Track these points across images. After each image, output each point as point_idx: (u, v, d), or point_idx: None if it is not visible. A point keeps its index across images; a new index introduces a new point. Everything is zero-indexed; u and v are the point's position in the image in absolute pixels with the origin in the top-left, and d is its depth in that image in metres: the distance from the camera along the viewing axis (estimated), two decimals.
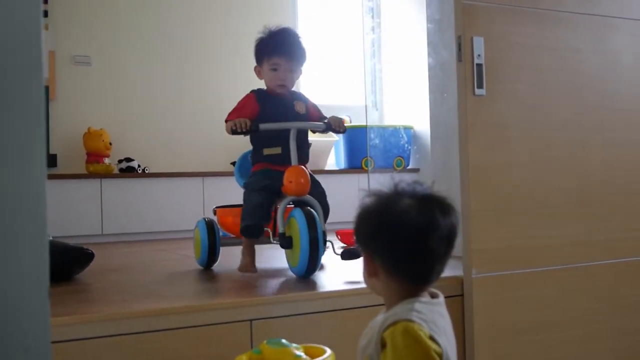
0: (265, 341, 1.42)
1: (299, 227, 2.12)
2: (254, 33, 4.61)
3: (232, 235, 2.63)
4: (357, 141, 4.66)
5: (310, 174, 2.28)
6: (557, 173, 2.24)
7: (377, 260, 1.16)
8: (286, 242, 2.18)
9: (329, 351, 1.38)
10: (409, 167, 4.81)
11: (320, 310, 1.87)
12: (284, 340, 1.40)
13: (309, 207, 2.20)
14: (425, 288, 1.18)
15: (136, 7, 4.51)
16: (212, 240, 2.51)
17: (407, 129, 4.81)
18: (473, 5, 2.10)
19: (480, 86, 2.09)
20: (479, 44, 2.09)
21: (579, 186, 2.28)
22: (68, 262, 2.26)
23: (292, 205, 2.23)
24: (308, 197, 2.25)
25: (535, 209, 2.19)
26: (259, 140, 2.36)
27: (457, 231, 1.16)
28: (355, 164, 4.70)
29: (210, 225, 2.54)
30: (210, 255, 2.53)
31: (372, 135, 4.48)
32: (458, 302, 2.08)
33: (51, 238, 2.30)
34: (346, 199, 4.48)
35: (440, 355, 1.06)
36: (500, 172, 2.13)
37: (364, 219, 1.18)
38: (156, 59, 4.51)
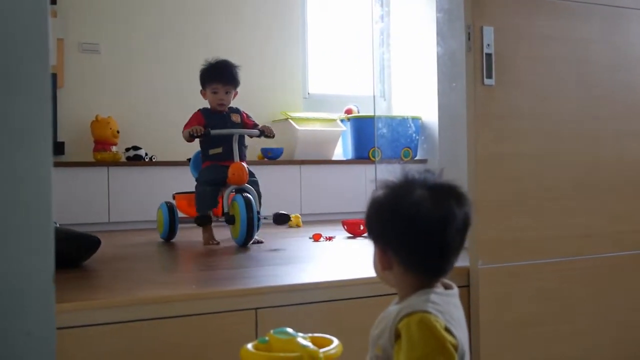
0: (272, 330, 1.42)
1: (239, 209, 2.84)
2: (265, 22, 4.66)
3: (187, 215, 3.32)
4: (364, 131, 4.65)
5: (247, 167, 3.01)
6: (565, 164, 2.23)
7: (391, 254, 1.14)
8: (230, 219, 2.90)
9: (336, 341, 1.37)
10: (416, 158, 4.80)
11: (326, 299, 1.87)
12: (290, 330, 1.40)
13: (247, 193, 2.92)
14: (440, 279, 1.17)
15: None
16: (172, 219, 3.23)
17: (415, 119, 4.79)
18: None
19: (489, 76, 2.08)
20: (488, 34, 2.08)
21: (588, 178, 2.27)
22: (74, 249, 2.27)
23: (234, 192, 2.96)
24: (246, 186, 2.98)
25: (542, 200, 2.18)
26: (206, 144, 3.11)
27: (472, 221, 1.14)
28: (363, 154, 4.69)
29: (170, 207, 3.26)
30: (171, 230, 3.25)
31: (379, 126, 4.47)
32: (464, 292, 2.07)
33: (58, 225, 2.30)
34: (352, 189, 4.52)
35: (455, 347, 1.05)
36: (508, 163, 2.12)
37: (376, 211, 1.15)
38: (165, 47, 4.50)
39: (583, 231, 2.24)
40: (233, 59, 4.62)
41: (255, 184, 3.09)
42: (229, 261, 2.54)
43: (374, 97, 4.46)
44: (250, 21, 4.75)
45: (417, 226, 1.09)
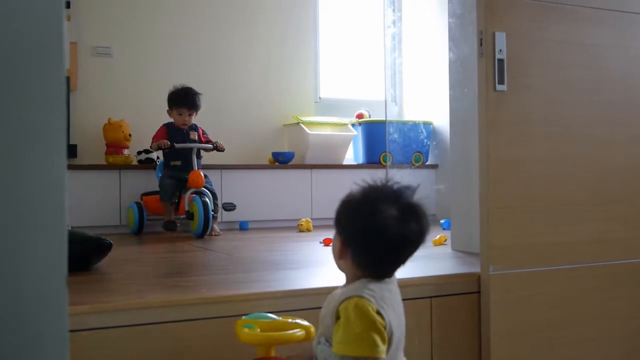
0: (243, 317, 1.55)
1: (197, 208, 3.56)
2: (277, 25, 4.73)
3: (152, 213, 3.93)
4: (375, 136, 4.64)
5: (204, 174, 3.77)
6: (577, 170, 2.22)
7: (350, 251, 1.33)
8: (190, 216, 3.62)
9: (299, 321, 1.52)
10: (427, 163, 4.79)
11: None
12: (266, 314, 1.58)
13: (204, 196, 3.64)
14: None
15: None
16: (140, 216, 3.84)
17: (427, 124, 4.78)
18: (495, 0, 2.08)
19: (501, 82, 2.07)
20: (500, 39, 2.08)
21: (600, 184, 2.26)
22: (86, 251, 2.28)
23: (193, 194, 3.68)
24: (203, 189, 3.72)
25: (554, 206, 2.17)
26: (168, 156, 3.87)
27: (427, 236, 1.33)
28: (374, 159, 4.68)
29: (139, 206, 3.88)
30: (140, 225, 3.84)
31: (391, 130, 4.47)
32: (475, 299, 2.07)
33: (70, 228, 2.31)
34: None
35: (384, 327, 1.25)
36: (520, 169, 2.12)
37: (348, 211, 1.34)
38: (177, 51, 4.52)
39: (595, 237, 2.23)
40: (247, 63, 4.67)
41: (210, 184, 3.86)
42: (239, 265, 2.55)
43: (385, 101, 4.46)
44: (262, 25, 4.76)
45: (380, 241, 1.29)
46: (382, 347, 1.24)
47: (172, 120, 3.93)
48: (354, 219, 1.32)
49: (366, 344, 1.23)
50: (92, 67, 4.29)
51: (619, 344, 2.24)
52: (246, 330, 1.50)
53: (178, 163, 3.82)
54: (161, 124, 3.99)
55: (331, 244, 1.40)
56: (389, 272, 1.35)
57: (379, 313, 1.25)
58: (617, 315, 2.25)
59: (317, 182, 4.47)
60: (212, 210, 3.63)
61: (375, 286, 1.29)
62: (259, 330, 1.51)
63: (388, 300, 1.30)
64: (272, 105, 4.75)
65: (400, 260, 1.34)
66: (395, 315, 1.30)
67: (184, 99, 3.88)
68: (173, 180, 3.77)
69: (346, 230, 1.34)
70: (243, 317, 1.58)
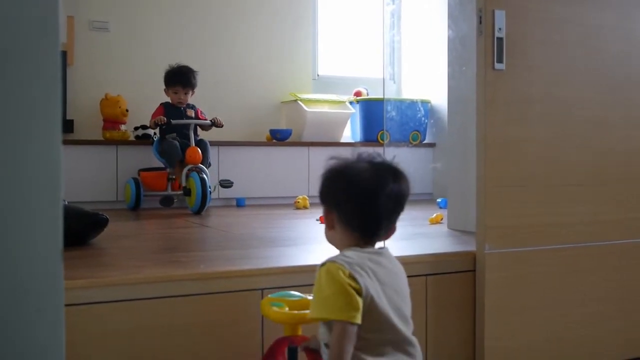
0: (270, 296, 1.55)
1: (195, 184, 3.61)
2: (276, 2, 4.70)
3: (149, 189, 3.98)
4: (373, 114, 4.63)
5: (199, 150, 3.77)
6: (575, 151, 2.22)
7: (335, 214, 1.36)
8: (187, 192, 3.69)
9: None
10: (425, 142, 4.79)
11: None
12: (292, 292, 1.59)
13: (202, 173, 3.70)
14: (373, 242, 1.38)
15: None
16: (137, 192, 3.85)
17: (425, 102, 4.77)
18: None
19: (500, 60, 2.06)
20: (500, 18, 2.06)
21: (597, 165, 2.26)
22: (83, 226, 2.28)
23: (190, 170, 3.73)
24: (200, 165, 3.77)
25: (551, 186, 2.17)
26: (164, 133, 3.90)
27: (407, 196, 1.37)
28: (371, 137, 4.68)
29: (136, 182, 3.88)
30: (137, 201, 3.85)
31: (388, 108, 4.46)
32: (470, 277, 2.08)
33: (66, 203, 2.31)
34: None
35: (358, 291, 1.25)
36: (517, 148, 2.11)
37: (326, 177, 1.39)
38: (175, 26, 4.49)
39: (592, 218, 2.23)
40: (243, 40, 4.64)
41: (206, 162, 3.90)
42: (236, 242, 2.56)
43: (383, 79, 4.45)
44: (261, 2, 4.73)
45: (356, 189, 1.34)
46: (354, 312, 1.24)
47: (169, 99, 3.99)
48: (331, 181, 1.38)
49: (335, 307, 1.25)
50: (89, 41, 4.26)
51: (614, 324, 2.26)
52: (275, 308, 1.50)
53: (173, 136, 3.86)
54: (158, 99, 3.98)
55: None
56: (375, 229, 1.36)
57: (352, 277, 1.26)
58: (610, 295, 2.26)
59: (314, 160, 4.47)
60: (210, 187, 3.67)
61: (353, 254, 1.31)
62: (287, 308, 1.51)
63: (369, 268, 1.30)
64: (269, 82, 4.73)
65: (381, 211, 1.34)
66: (379, 285, 1.30)
67: (178, 78, 3.93)
68: (174, 142, 3.80)
69: (327, 195, 1.39)
70: (269, 295, 1.58)
